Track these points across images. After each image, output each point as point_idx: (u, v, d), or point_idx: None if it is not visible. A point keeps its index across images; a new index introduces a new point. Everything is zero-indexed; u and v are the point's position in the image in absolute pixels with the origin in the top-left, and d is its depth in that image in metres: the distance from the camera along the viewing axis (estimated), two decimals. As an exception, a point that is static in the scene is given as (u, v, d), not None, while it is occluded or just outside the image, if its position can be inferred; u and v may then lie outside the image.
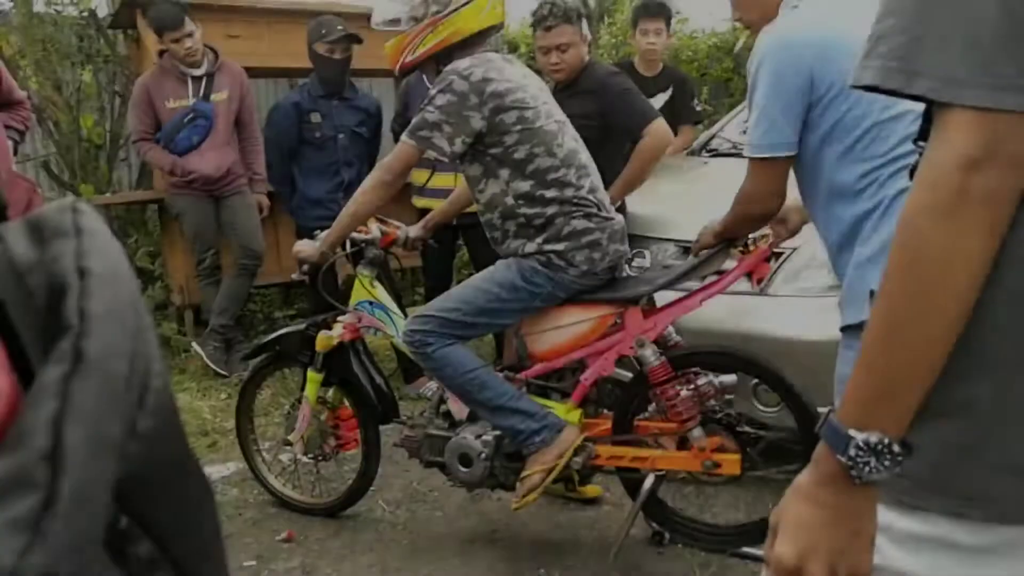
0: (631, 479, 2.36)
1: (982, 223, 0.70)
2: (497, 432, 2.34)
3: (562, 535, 2.65)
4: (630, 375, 2.41)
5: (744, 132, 4.02)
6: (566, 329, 2.26)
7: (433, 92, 2.18)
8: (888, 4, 0.74)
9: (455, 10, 2.22)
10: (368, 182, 2.28)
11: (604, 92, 3.06)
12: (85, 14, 5.22)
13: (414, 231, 2.74)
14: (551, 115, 2.26)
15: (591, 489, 2.81)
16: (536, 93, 2.26)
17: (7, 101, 2.77)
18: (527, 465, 2.30)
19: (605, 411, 2.45)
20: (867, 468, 0.76)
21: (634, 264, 3.15)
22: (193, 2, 4.14)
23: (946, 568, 0.81)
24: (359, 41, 3.77)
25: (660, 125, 3.00)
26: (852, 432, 0.76)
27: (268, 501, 2.92)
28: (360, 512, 2.85)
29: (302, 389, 2.69)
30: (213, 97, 4.08)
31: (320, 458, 2.78)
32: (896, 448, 0.76)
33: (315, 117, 3.83)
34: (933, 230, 0.72)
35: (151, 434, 0.26)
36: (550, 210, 2.19)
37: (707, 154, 3.97)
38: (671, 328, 2.32)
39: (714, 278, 2.25)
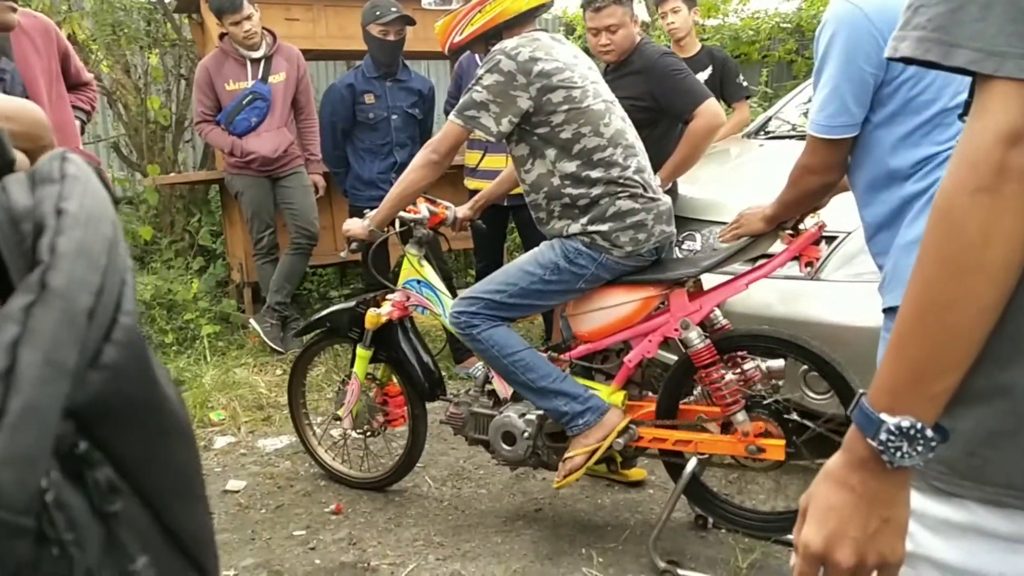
0: (674, 463, 2.35)
1: (1022, 200, 0.68)
2: (540, 411, 2.36)
3: (605, 516, 2.65)
4: (675, 358, 2.39)
5: (804, 114, 3.95)
6: (611, 310, 2.25)
7: (480, 72, 2.19)
8: None
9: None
10: (415, 161, 2.30)
11: (654, 73, 3.03)
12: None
13: (462, 211, 2.76)
14: (599, 95, 2.24)
15: (636, 472, 2.81)
16: (584, 72, 2.25)
17: (76, 83, 2.87)
18: (570, 446, 2.31)
19: (650, 394, 2.43)
20: (899, 453, 0.74)
21: (684, 247, 3.12)
22: (253, -14, 4.21)
23: (981, 556, 0.79)
24: (412, 23, 3.79)
25: (711, 106, 2.95)
26: (884, 416, 0.74)
27: (318, 474, 2.99)
28: (407, 487, 2.90)
29: (351, 365, 2.74)
30: (271, 79, 4.16)
31: (369, 433, 2.83)
32: (929, 433, 0.74)
33: (369, 98, 3.88)
34: (971, 208, 0.69)
35: (115, 366, 0.27)
36: (595, 191, 2.17)
37: (764, 136, 3.89)
38: (717, 311, 2.29)
39: (760, 261, 2.22)
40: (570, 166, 2.18)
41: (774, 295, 2.67)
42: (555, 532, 2.56)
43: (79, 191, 0.30)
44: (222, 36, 4.17)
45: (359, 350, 2.68)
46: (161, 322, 4.33)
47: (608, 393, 2.33)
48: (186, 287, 4.55)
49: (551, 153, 2.19)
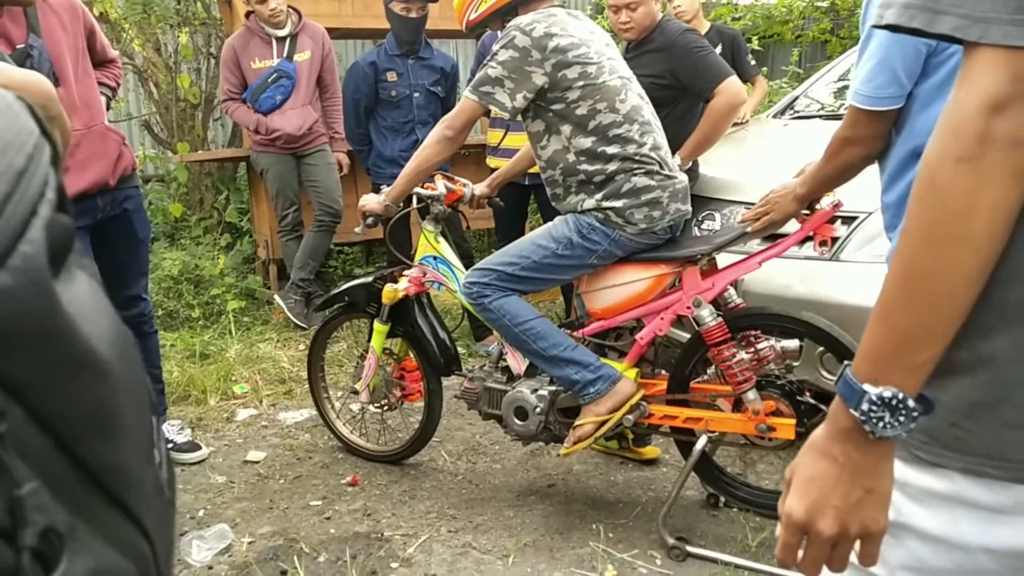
0: (685, 441, 2.35)
1: (1005, 169, 0.67)
2: (553, 387, 2.37)
3: (617, 493, 2.67)
4: (689, 336, 2.39)
5: (835, 93, 3.87)
6: (624, 287, 2.25)
7: (496, 47, 2.19)
8: None
9: None
10: (430, 138, 2.31)
11: (675, 50, 2.99)
12: (182, -23, 5.44)
13: (479, 189, 2.76)
14: (615, 71, 2.22)
15: (650, 450, 2.82)
16: (601, 49, 2.23)
17: (101, 59, 2.91)
18: (581, 413, 2.32)
19: (663, 372, 2.43)
20: (881, 423, 0.74)
21: (704, 227, 3.11)
22: (280, -37, 4.24)
23: (963, 526, 0.79)
24: (434, 0, 3.79)
25: (733, 83, 2.91)
26: (866, 387, 0.74)
27: (336, 447, 3.04)
28: (422, 461, 2.94)
29: (369, 340, 2.78)
30: (296, 57, 4.19)
31: (386, 407, 2.87)
32: (911, 404, 0.74)
33: (391, 76, 3.89)
34: (953, 177, 0.68)
35: (7, 292, 0.28)
36: (611, 167, 2.17)
37: (790, 115, 3.84)
38: (732, 290, 2.28)
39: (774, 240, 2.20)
40: (586, 142, 2.18)
41: (794, 275, 2.64)
42: (567, 507, 2.58)
43: None
44: (248, 15, 4.20)
45: (376, 325, 2.71)
46: (188, 297, 4.41)
47: (621, 370, 2.33)
48: (213, 263, 4.62)
49: (566, 129, 2.19)
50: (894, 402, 0.73)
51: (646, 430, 2.38)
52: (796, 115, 3.76)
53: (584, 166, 2.20)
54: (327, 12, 4.62)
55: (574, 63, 2.15)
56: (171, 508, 0.42)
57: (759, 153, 3.38)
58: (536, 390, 2.38)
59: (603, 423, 2.25)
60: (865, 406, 0.74)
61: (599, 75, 2.17)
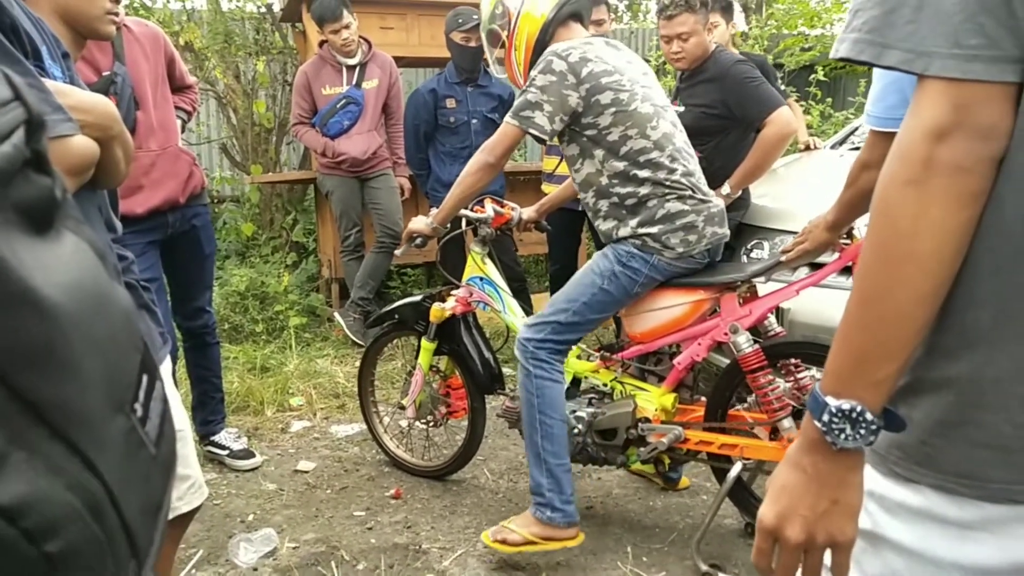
0: (722, 468, 2.34)
1: (948, 193, 0.70)
2: (591, 409, 2.40)
3: (654, 518, 2.67)
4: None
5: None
6: (662, 312, 2.28)
7: (534, 73, 2.25)
8: None
9: (517, 14, 2.33)
10: (472, 165, 2.36)
11: (727, 80, 3.02)
12: (263, 9, 5.72)
13: (527, 213, 2.83)
14: (648, 99, 2.26)
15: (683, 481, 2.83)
16: (635, 77, 2.28)
17: (180, 85, 3.11)
18: (520, 519, 2.34)
19: (702, 398, 2.44)
20: (842, 435, 0.77)
21: (752, 255, 3.11)
22: (352, -5, 4.45)
23: (934, 540, 0.81)
24: (495, 30, 3.91)
25: (783, 114, 2.92)
26: (828, 399, 0.78)
27: (383, 460, 3.13)
28: (465, 478, 2.99)
29: (416, 357, 2.86)
30: (364, 85, 4.36)
31: (431, 423, 2.95)
32: (869, 417, 0.77)
33: (450, 103, 4.02)
34: (901, 200, 0.72)
35: None
36: (643, 190, 2.20)
37: (848, 146, 3.81)
38: (772, 318, 2.29)
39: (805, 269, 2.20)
40: (618, 165, 2.21)
41: (838, 306, 2.61)
42: (603, 529, 2.60)
43: None
44: (322, 44, 4.40)
45: (424, 342, 2.80)
46: (253, 312, 4.59)
47: (659, 395, 2.36)
48: (278, 280, 4.81)
49: (599, 153, 2.24)
50: (853, 415, 0.76)
51: (683, 456, 2.39)
52: (854, 147, 3.72)
53: (616, 188, 2.23)
54: (395, 41, 4.80)
55: (607, 89, 2.20)
56: (159, 463, 0.44)
57: (811, 183, 3.36)
58: (574, 411, 2.42)
59: (528, 543, 2.28)
60: (826, 417, 0.77)
61: (631, 102, 2.22)
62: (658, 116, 2.25)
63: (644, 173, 2.20)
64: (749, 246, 3.12)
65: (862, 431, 0.77)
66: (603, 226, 2.30)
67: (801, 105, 5.65)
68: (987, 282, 0.74)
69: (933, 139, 0.69)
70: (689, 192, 2.22)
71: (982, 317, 0.75)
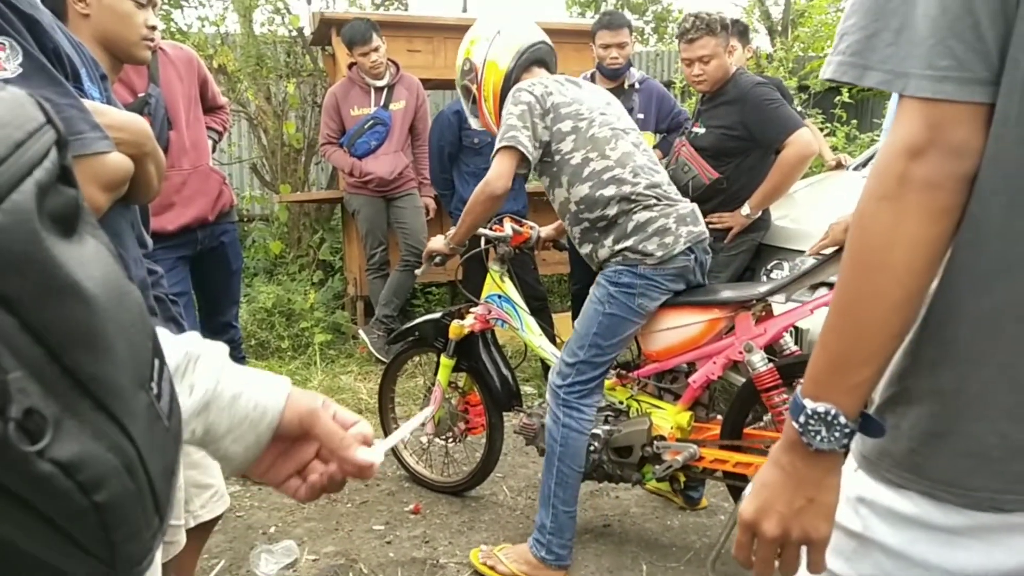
0: (737, 487, 2.35)
1: (922, 208, 0.73)
2: (607, 427, 2.42)
3: (671, 537, 2.67)
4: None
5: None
6: (678, 331, 2.30)
7: (507, 106, 2.35)
8: (852, 5, 0.79)
9: (482, 67, 2.48)
10: (477, 195, 2.36)
11: (747, 102, 3.05)
12: (294, 33, 5.86)
13: (545, 232, 2.88)
14: (606, 123, 2.35)
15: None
16: (594, 106, 2.38)
17: (212, 106, 3.21)
18: (512, 550, 2.44)
19: (719, 417, 2.45)
20: (817, 436, 0.81)
21: (772, 275, 3.12)
22: (380, 19, 4.55)
23: (922, 546, 0.83)
24: (519, 53, 3.98)
25: (803, 135, 2.95)
26: (806, 402, 0.81)
27: (403, 476, 3.16)
28: (484, 495, 3.02)
29: (435, 373, 2.90)
30: (392, 106, 4.45)
31: (450, 439, 2.98)
32: (843, 420, 0.80)
33: (474, 123, 4.07)
34: (876, 214, 0.75)
35: (1, 227, 0.37)
36: (611, 211, 2.26)
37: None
38: (788, 337, 2.30)
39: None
40: (583, 189, 2.29)
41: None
42: (620, 548, 2.61)
43: None
44: (351, 66, 4.50)
45: (443, 359, 2.84)
46: (280, 328, 4.67)
47: (675, 413, 2.37)
48: (304, 298, 4.89)
49: (565, 180, 2.32)
50: (828, 417, 0.80)
51: (699, 474, 2.40)
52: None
53: (586, 214, 2.30)
54: (422, 64, 4.89)
55: (567, 118, 2.32)
56: (171, 435, 0.51)
57: (831, 204, 3.36)
58: (591, 429, 2.43)
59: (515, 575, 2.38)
60: (802, 419, 0.81)
61: (589, 128, 2.32)
62: (616, 138, 2.33)
63: (609, 191, 2.26)
64: (769, 267, 3.14)
65: (836, 434, 0.80)
66: (583, 250, 2.37)
67: (827, 127, 5.66)
68: (967, 297, 0.76)
69: (908, 156, 0.73)
70: (654, 200, 2.28)
71: (964, 330, 0.77)
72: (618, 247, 2.26)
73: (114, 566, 0.44)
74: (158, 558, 1.17)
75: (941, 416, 0.80)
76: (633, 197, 2.26)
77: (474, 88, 2.54)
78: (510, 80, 2.45)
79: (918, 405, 0.82)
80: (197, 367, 0.70)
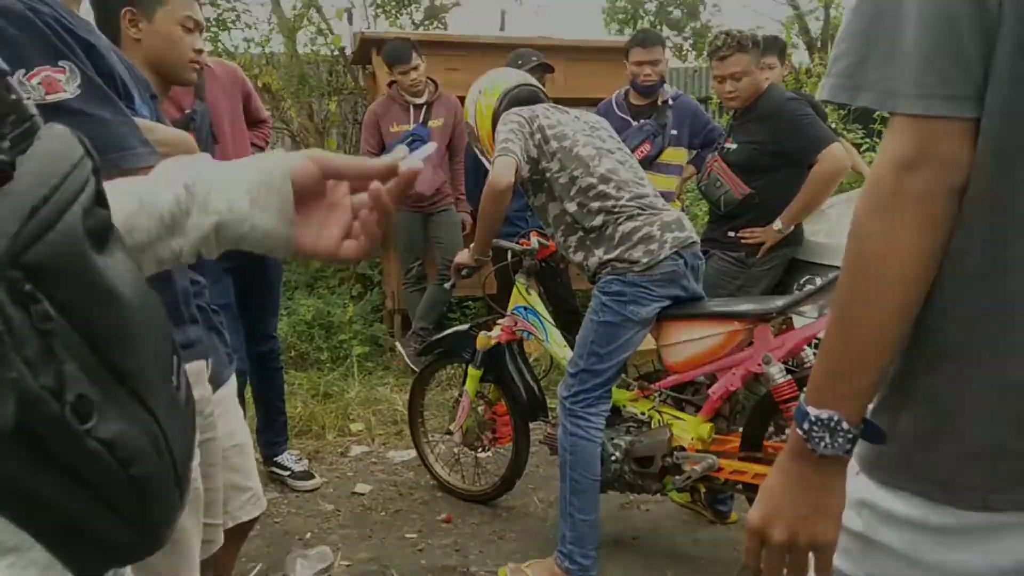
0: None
1: (915, 219, 0.77)
2: (629, 437, 2.46)
3: (700, 551, 2.68)
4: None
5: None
6: (697, 342, 2.32)
7: (498, 128, 2.47)
8: (844, 29, 0.83)
9: (474, 117, 2.68)
10: (484, 200, 2.45)
11: (779, 118, 3.07)
12: (336, 52, 6.01)
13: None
14: (589, 143, 2.45)
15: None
16: (578, 128, 2.50)
17: (255, 119, 3.33)
18: (541, 565, 2.49)
19: (739, 429, 2.46)
20: (821, 443, 0.84)
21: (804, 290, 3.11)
22: (420, 39, 4.66)
23: (922, 547, 0.85)
24: (551, 70, 4.06)
25: (835, 150, 2.95)
26: (809, 409, 0.84)
27: (436, 486, 3.22)
28: (515, 505, 3.06)
29: (463, 384, 2.96)
30: (430, 123, 4.54)
31: (478, 449, 3.03)
32: (846, 426, 0.83)
33: (487, 164, 4.14)
34: (871, 226, 0.79)
35: (54, 244, 0.44)
36: (597, 220, 2.35)
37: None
38: (808, 350, 2.31)
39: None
40: (573, 205, 2.39)
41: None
42: (647, 560, 2.63)
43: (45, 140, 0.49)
44: (391, 84, 4.60)
45: (470, 369, 2.90)
46: (319, 340, 4.78)
47: (695, 424, 2.39)
48: (343, 311, 4.99)
49: (555, 196, 2.43)
50: (831, 424, 0.82)
51: (720, 485, 2.41)
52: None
53: (576, 224, 2.40)
54: (460, 82, 4.96)
55: (552, 139, 2.43)
56: (188, 419, 0.58)
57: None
58: (612, 439, 2.47)
59: None
60: (807, 425, 0.84)
61: (573, 148, 2.42)
62: (600, 156, 2.43)
63: (595, 205, 2.36)
64: (802, 282, 3.14)
65: (840, 439, 0.83)
66: (575, 259, 2.46)
67: (866, 142, 5.60)
68: (958, 302, 0.79)
69: (901, 170, 0.76)
70: (638, 211, 2.35)
71: (956, 334, 0.80)
72: (606, 257, 2.34)
73: (143, 530, 0.51)
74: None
75: (934, 417, 0.83)
76: (617, 209, 2.35)
77: (476, 144, 2.75)
78: (498, 115, 2.58)
79: (912, 407, 0.85)
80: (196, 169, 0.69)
